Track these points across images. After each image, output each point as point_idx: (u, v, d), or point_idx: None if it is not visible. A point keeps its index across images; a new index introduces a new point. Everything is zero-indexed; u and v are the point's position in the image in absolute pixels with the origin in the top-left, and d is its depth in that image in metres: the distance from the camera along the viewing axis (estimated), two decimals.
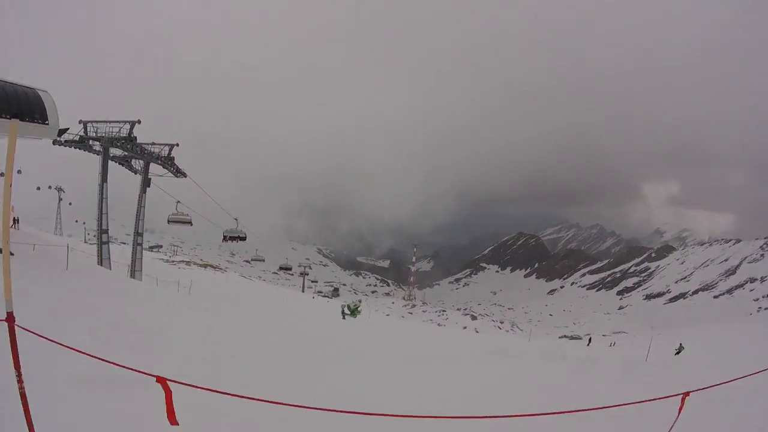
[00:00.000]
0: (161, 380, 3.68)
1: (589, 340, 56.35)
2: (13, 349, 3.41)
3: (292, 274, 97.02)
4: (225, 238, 37.03)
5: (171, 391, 3.69)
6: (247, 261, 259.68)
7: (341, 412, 4.07)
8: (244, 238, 37.14)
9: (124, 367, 4.17)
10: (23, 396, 3.48)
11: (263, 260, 64.42)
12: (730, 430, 8.26)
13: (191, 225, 34.43)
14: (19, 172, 61.71)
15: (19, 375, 3.42)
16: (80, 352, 4.37)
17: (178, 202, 33.36)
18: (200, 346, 10.80)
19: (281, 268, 66.77)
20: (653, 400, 4.96)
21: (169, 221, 34.19)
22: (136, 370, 4.09)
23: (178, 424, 3.73)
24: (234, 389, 7.10)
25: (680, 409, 4.93)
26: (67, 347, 4.42)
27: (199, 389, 4.01)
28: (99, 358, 4.20)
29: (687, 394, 4.78)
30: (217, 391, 4.05)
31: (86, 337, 8.59)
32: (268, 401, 3.98)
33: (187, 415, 4.68)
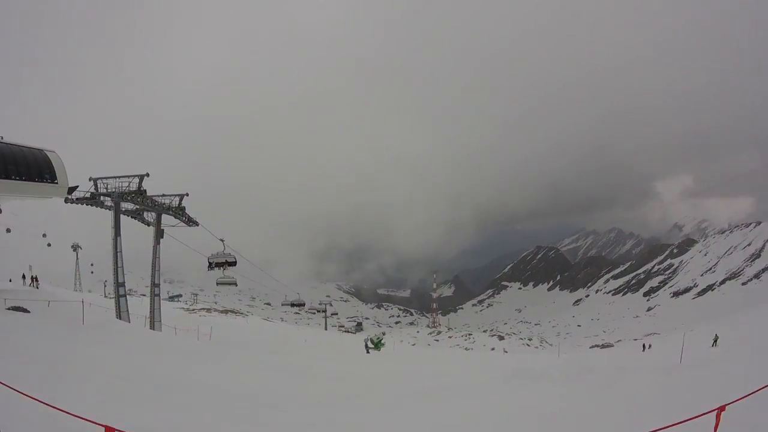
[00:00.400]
0: (110, 430, 3.53)
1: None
2: None
3: (314, 313, 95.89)
4: (211, 265, 33.97)
5: None
6: (268, 303, 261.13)
7: None
8: (233, 263, 34.12)
9: (69, 413, 4.00)
10: None
11: (303, 304, 62.89)
12: None
13: (236, 285, 36.28)
14: (44, 235, 62.80)
15: None
16: (32, 398, 4.19)
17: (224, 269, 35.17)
18: (212, 398, 10.68)
19: (292, 305, 63.79)
20: (684, 421, 4.57)
21: (217, 284, 36.09)
22: (82, 418, 3.93)
23: None
24: None
25: (716, 427, 4.53)
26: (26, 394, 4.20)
27: None
28: (47, 404, 4.04)
29: (722, 408, 4.47)
30: None
31: (96, 391, 8.52)
32: None
33: None
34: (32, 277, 39.61)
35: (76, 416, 4.11)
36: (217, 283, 36.00)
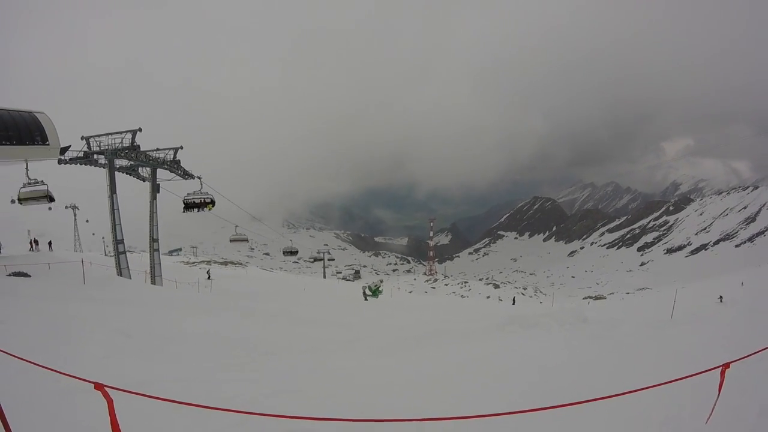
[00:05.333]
0: (99, 387, 3.42)
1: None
2: None
3: (312, 261, 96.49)
4: (186, 207, 31.56)
5: (112, 400, 3.34)
6: (267, 254, 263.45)
7: (307, 419, 3.89)
8: (211, 202, 31.78)
9: (59, 372, 4.05)
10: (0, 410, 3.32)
11: (296, 252, 61.89)
12: None
13: (248, 242, 40.31)
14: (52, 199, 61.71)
15: None
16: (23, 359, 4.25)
17: (237, 225, 38.37)
18: (211, 347, 11.02)
19: (285, 253, 63.39)
20: (691, 376, 4.40)
21: (231, 240, 40.34)
22: (73, 376, 3.96)
23: None
24: (226, 390, 7.37)
25: (720, 384, 4.39)
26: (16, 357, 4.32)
27: (158, 399, 3.81)
28: (40, 365, 4.12)
29: (727, 365, 4.34)
30: (169, 400, 3.82)
31: (98, 347, 8.88)
32: (238, 411, 3.86)
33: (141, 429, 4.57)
34: (32, 241, 39.98)
35: (66, 374, 4.18)
36: (231, 240, 38.80)
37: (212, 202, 31.82)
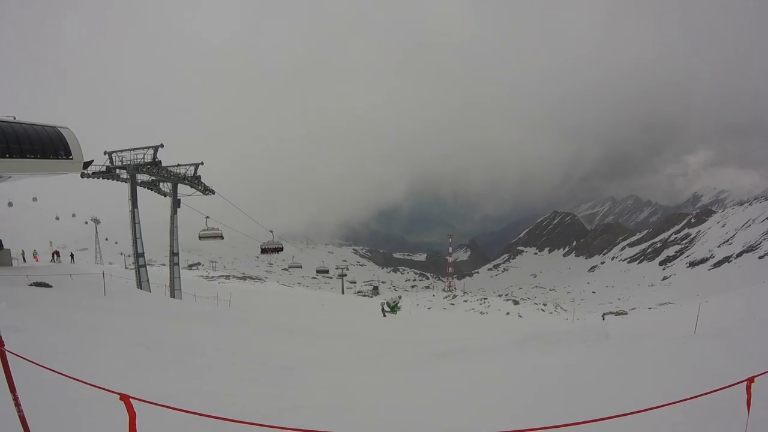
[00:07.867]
0: (124, 398, 3.37)
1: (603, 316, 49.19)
2: (6, 373, 3.39)
3: (330, 277, 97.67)
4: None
5: (135, 413, 3.32)
6: (285, 269, 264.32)
7: None
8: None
9: (85, 383, 4.02)
10: (23, 420, 3.34)
11: (300, 266, 63.41)
12: None
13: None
14: (57, 218, 62.81)
15: (15, 398, 3.36)
16: (54, 371, 4.24)
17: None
18: (230, 361, 10.97)
19: (318, 272, 66.67)
20: (714, 391, 4.29)
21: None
22: (99, 387, 3.91)
23: None
24: (245, 404, 7.26)
25: (749, 400, 4.24)
26: (48, 368, 4.32)
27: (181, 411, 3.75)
28: (65, 375, 4.09)
29: (752, 380, 4.21)
30: (191, 412, 3.75)
31: (118, 358, 8.87)
32: (259, 424, 3.80)
33: None
34: (54, 253, 40.66)
35: (92, 385, 4.16)
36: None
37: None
